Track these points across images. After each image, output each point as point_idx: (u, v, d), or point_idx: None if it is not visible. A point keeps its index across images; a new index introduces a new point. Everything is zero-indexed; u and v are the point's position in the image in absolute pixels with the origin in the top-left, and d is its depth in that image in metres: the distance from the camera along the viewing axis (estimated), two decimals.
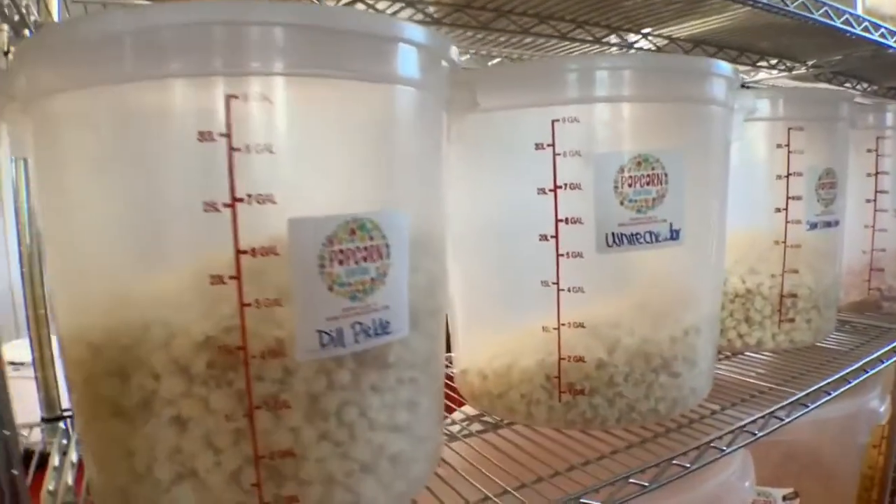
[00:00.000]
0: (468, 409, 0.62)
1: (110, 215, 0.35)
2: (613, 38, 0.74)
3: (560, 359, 0.51)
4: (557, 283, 0.50)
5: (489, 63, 0.81)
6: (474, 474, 0.48)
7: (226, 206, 0.32)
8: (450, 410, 0.61)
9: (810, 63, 0.91)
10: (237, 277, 0.33)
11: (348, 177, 0.36)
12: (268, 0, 0.34)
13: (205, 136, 0.32)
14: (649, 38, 0.76)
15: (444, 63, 0.41)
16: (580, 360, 0.51)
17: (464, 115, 0.46)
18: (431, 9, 0.59)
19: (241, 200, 0.32)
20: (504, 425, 0.57)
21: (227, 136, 0.32)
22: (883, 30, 0.71)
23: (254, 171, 0.32)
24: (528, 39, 0.71)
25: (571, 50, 0.76)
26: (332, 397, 0.36)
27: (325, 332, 0.35)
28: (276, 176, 0.33)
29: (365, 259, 0.35)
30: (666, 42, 0.78)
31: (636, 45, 0.76)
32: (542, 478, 0.47)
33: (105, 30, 0.32)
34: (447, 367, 0.74)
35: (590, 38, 0.71)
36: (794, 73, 0.92)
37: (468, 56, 0.78)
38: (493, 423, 0.58)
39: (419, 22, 0.58)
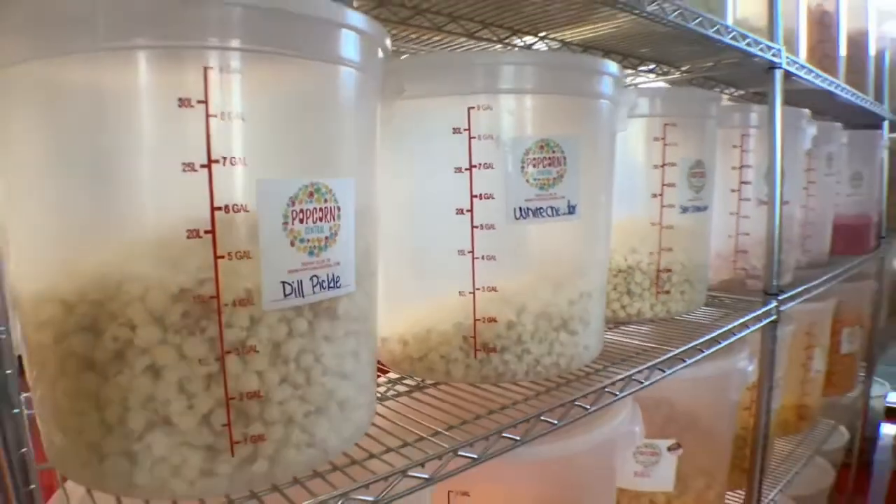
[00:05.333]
0: (391, 375, 0.67)
1: (88, 186, 0.38)
2: (515, 40, 0.82)
3: (475, 320, 0.58)
4: (473, 252, 0.57)
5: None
6: (395, 429, 0.53)
7: (202, 166, 0.36)
8: None
9: (684, 68, 1.04)
10: (212, 232, 0.37)
11: (304, 146, 0.41)
12: None
13: (184, 103, 0.36)
14: (546, 40, 0.84)
15: (380, 52, 0.46)
16: (493, 320, 0.58)
17: (391, 102, 0.52)
18: (356, 3, 0.64)
19: (216, 162, 0.37)
20: (427, 385, 0.63)
21: (205, 102, 0.36)
22: (749, 39, 0.82)
23: (227, 136, 0.37)
24: (438, 38, 0.77)
25: (478, 49, 0.83)
26: (292, 344, 0.40)
27: (288, 284, 0.39)
28: (247, 141, 0.37)
29: (321, 219, 0.40)
30: (559, 45, 0.87)
31: (534, 47, 0.85)
32: (467, 420, 0.53)
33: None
34: None
35: (494, 38, 0.79)
36: (669, 77, 1.04)
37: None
38: (414, 384, 0.64)
39: None
